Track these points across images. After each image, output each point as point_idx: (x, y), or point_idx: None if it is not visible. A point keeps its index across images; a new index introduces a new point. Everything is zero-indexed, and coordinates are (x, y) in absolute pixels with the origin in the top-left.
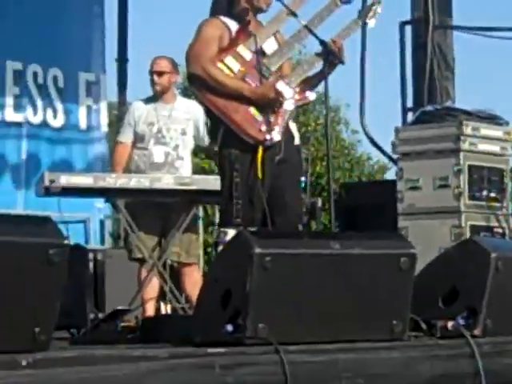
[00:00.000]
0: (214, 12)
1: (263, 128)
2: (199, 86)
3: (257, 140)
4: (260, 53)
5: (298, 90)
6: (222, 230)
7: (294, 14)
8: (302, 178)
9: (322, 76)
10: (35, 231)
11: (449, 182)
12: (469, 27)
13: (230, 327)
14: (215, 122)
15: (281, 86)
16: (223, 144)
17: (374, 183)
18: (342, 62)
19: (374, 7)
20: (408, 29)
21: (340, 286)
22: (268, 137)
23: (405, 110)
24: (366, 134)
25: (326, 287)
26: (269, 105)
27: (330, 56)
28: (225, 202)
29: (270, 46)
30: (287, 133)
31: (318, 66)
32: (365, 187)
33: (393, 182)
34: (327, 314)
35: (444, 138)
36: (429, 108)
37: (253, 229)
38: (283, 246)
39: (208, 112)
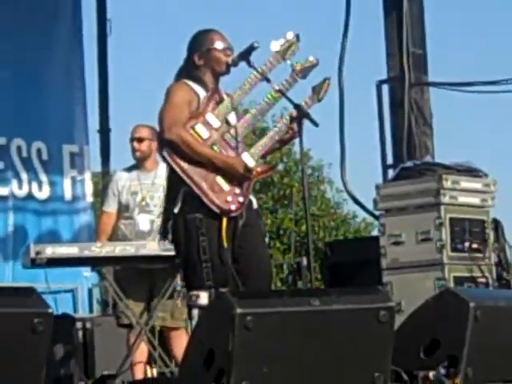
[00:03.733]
0: (179, 76)
1: (229, 198)
2: (170, 151)
3: (222, 210)
4: (226, 121)
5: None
6: (193, 293)
7: (268, 80)
8: (266, 239)
9: (290, 138)
10: (20, 301)
11: (431, 235)
12: (444, 83)
13: None
14: (176, 186)
15: (246, 157)
16: (187, 208)
17: (357, 240)
18: (316, 124)
19: (325, 84)
20: (385, 87)
21: (321, 341)
22: (233, 207)
23: (385, 167)
24: (347, 191)
25: (307, 343)
26: (236, 176)
27: (304, 118)
28: (192, 264)
29: (233, 115)
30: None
31: (283, 129)
32: (349, 244)
33: (376, 238)
34: (309, 370)
35: (424, 193)
36: (408, 164)
37: (224, 290)
38: (263, 305)
39: (170, 176)
